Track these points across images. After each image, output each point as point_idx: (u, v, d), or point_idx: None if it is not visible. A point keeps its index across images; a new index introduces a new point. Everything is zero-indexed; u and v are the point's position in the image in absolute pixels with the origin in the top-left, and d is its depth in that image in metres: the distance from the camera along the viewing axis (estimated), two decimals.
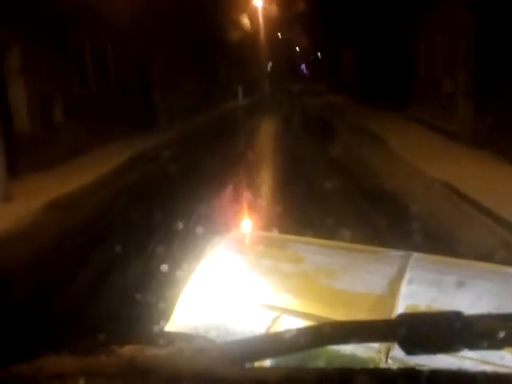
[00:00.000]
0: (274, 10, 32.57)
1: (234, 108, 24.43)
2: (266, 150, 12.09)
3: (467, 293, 1.05)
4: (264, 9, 32.74)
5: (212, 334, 0.98)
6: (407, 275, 1.15)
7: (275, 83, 40.45)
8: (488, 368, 0.73)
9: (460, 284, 1.07)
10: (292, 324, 1.00)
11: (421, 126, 12.88)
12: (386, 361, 0.87)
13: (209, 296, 1.16)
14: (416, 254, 1.31)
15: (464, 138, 9.83)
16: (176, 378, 0.46)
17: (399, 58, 16.30)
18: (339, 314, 0.99)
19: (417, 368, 0.47)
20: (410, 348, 0.50)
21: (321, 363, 0.78)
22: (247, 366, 0.53)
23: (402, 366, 0.54)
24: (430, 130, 11.96)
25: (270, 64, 44.56)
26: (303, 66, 57.74)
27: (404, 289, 1.09)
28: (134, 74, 14.27)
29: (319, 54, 46.95)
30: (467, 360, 0.68)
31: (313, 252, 1.41)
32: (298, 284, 1.19)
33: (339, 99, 25.58)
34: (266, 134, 15.62)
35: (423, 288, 1.11)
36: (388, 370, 0.52)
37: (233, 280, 1.22)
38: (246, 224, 1.82)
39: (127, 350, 0.50)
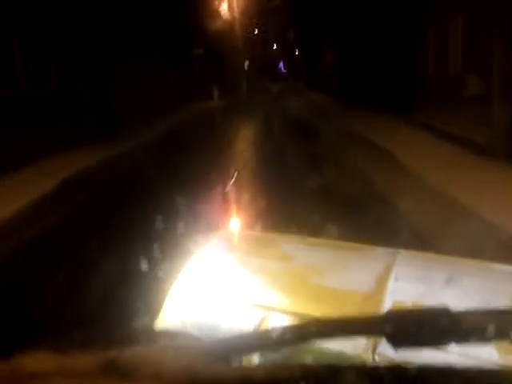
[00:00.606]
0: (250, 5, 32.17)
1: (208, 110, 22.60)
2: (244, 173, 8.87)
3: (454, 289, 1.06)
4: (240, 4, 32.40)
5: (200, 332, 0.97)
6: (394, 272, 1.15)
7: (253, 82, 39.64)
8: (475, 363, 0.73)
9: (447, 280, 1.07)
10: (280, 322, 1.00)
11: (433, 134, 10.31)
12: (374, 357, 0.87)
13: (197, 294, 1.15)
14: (403, 251, 1.32)
15: (499, 153, 7.73)
16: (159, 376, 0.45)
17: (397, 52, 13.97)
18: (327, 312, 0.99)
19: (404, 364, 0.47)
20: (397, 343, 0.49)
21: (308, 360, 0.78)
22: (233, 363, 0.52)
23: (389, 362, 0.53)
24: (448, 141, 9.48)
25: (247, 62, 44.07)
26: (281, 65, 57.61)
27: (391, 286, 1.09)
28: (86, 70, 11.71)
29: (297, 51, 46.34)
30: (454, 355, 0.68)
31: (301, 250, 1.43)
32: (286, 282, 1.19)
33: (322, 99, 25.00)
34: (244, 144, 13.14)
35: (410, 285, 1.11)
36: (375, 367, 0.51)
37: (221, 278, 1.22)
38: (235, 223, 1.82)
39: (108, 349, 0.49)
